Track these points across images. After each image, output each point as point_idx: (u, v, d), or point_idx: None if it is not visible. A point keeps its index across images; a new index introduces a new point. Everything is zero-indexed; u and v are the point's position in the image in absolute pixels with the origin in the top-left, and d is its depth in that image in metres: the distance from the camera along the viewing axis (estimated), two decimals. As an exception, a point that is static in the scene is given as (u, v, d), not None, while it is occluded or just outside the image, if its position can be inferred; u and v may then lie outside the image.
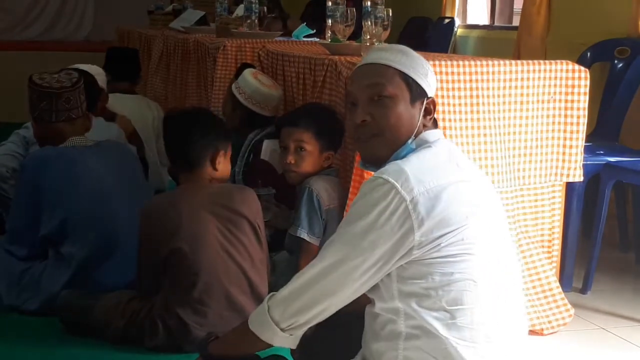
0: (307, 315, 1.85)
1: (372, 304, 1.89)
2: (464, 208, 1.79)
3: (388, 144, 1.92)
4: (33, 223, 2.92)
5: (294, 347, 1.93)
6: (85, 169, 2.94)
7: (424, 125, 1.95)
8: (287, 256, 3.05)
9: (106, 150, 3.08)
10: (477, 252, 1.79)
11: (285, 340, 1.89)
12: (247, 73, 3.59)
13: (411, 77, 1.92)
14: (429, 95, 1.96)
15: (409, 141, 1.91)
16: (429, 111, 1.96)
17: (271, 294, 1.93)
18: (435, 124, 2.01)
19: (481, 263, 1.80)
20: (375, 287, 1.84)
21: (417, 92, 1.93)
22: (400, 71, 1.92)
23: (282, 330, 1.87)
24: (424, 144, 1.91)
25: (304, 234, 2.88)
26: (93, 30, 8.56)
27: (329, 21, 3.48)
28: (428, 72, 1.96)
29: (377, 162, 1.94)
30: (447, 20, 6.60)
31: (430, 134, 1.94)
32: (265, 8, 4.90)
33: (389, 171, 1.81)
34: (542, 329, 2.97)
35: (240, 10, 5.02)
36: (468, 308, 1.77)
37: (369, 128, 1.93)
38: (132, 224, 2.79)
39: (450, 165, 1.87)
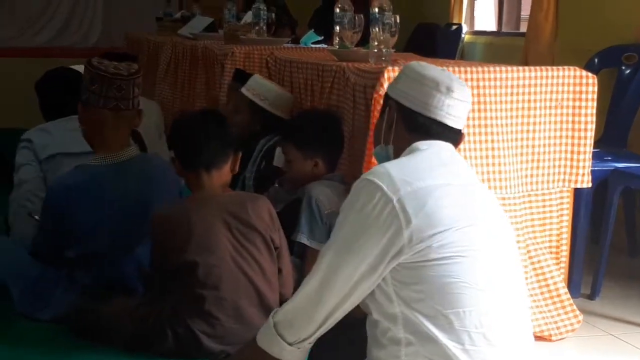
0: (312, 328, 1.86)
1: (370, 312, 1.89)
2: (455, 211, 1.78)
3: None
4: (57, 247, 2.88)
5: (303, 359, 1.93)
6: (108, 197, 2.87)
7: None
8: (298, 262, 3.06)
9: (140, 165, 2.99)
10: (470, 255, 1.78)
11: (294, 354, 1.90)
12: (261, 77, 3.59)
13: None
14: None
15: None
16: None
17: (276, 309, 1.95)
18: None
19: (476, 266, 1.79)
20: (371, 293, 1.84)
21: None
22: None
23: (290, 344, 1.88)
24: (415, 150, 1.92)
25: (304, 239, 2.92)
26: (102, 37, 8.55)
27: (337, 28, 3.48)
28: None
29: None
30: (454, 27, 6.61)
31: (422, 143, 1.94)
32: (273, 15, 4.91)
33: (374, 172, 1.82)
34: (551, 335, 2.97)
35: (248, 17, 5.04)
36: (466, 311, 1.76)
37: None
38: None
39: (440, 169, 1.86)
